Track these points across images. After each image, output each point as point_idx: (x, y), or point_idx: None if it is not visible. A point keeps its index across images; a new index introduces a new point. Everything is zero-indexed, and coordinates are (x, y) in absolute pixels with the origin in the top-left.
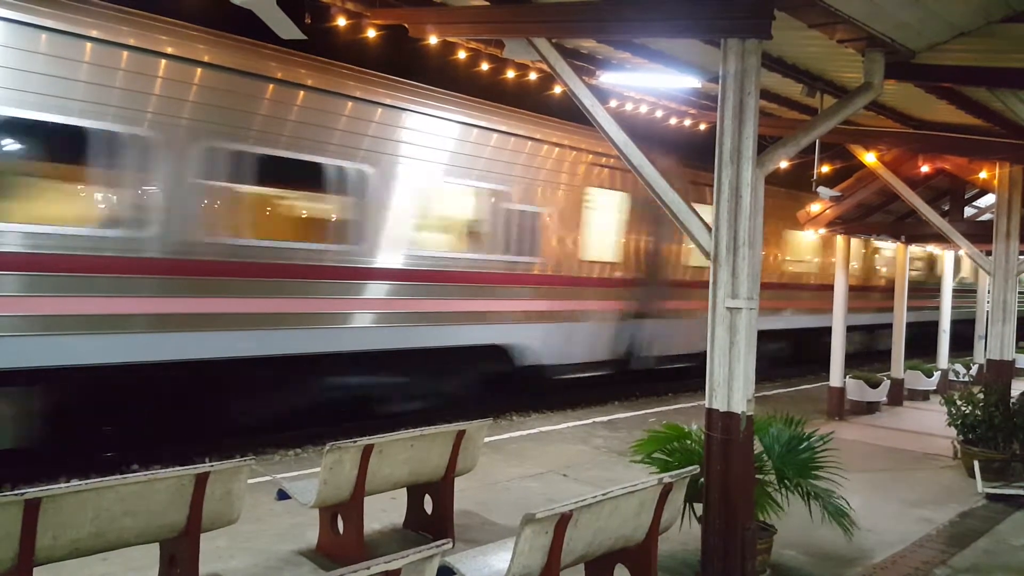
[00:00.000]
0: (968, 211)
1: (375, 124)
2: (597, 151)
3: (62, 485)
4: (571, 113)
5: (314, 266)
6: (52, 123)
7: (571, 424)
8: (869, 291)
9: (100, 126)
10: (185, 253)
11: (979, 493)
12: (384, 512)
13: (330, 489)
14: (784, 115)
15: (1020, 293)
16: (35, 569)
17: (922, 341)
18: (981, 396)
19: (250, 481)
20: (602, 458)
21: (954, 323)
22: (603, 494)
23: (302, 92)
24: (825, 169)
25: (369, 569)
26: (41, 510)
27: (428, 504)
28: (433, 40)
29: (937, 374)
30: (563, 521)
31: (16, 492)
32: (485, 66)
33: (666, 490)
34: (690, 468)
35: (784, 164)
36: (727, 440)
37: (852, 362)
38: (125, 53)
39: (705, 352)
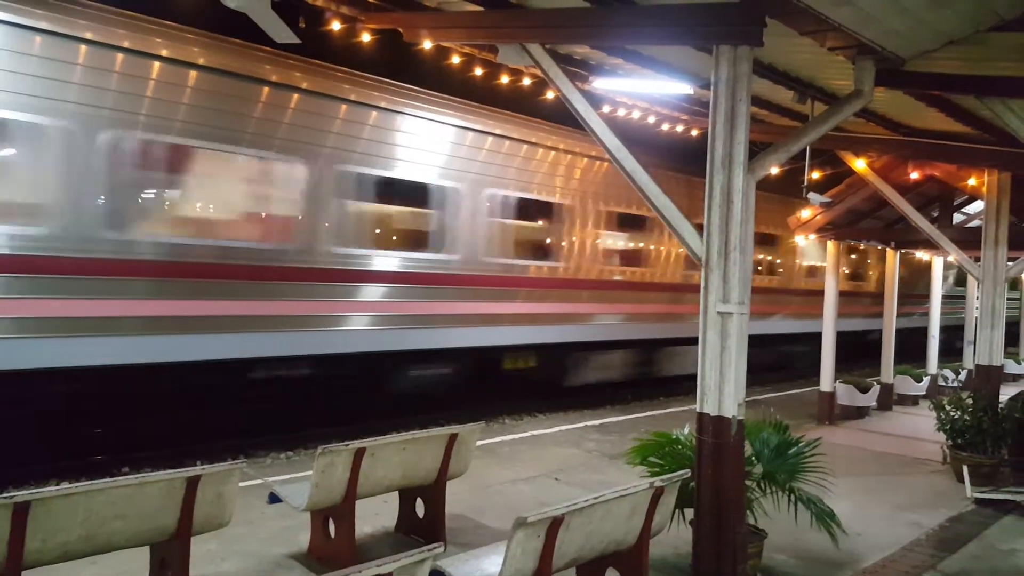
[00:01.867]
0: (957, 217)
1: None
2: None
3: (51, 488)
4: None
5: None
6: None
7: (563, 428)
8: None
9: None
10: None
11: (968, 498)
12: (376, 515)
13: (322, 492)
14: (775, 121)
15: (1008, 299)
16: (24, 573)
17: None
18: (970, 401)
19: (241, 484)
20: (594, 461)
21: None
22: (595, 498)
23: None
24: (816, 175)
25: (360, 573)
26: (30, 513)
27: (420, 508)
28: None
29: (926, 379)
30: (555, 525)
31: (5, 495)
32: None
33: (657, 494)
34: (681, 472)
35: (775, 170)
36: (718, 444)
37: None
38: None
39: None
